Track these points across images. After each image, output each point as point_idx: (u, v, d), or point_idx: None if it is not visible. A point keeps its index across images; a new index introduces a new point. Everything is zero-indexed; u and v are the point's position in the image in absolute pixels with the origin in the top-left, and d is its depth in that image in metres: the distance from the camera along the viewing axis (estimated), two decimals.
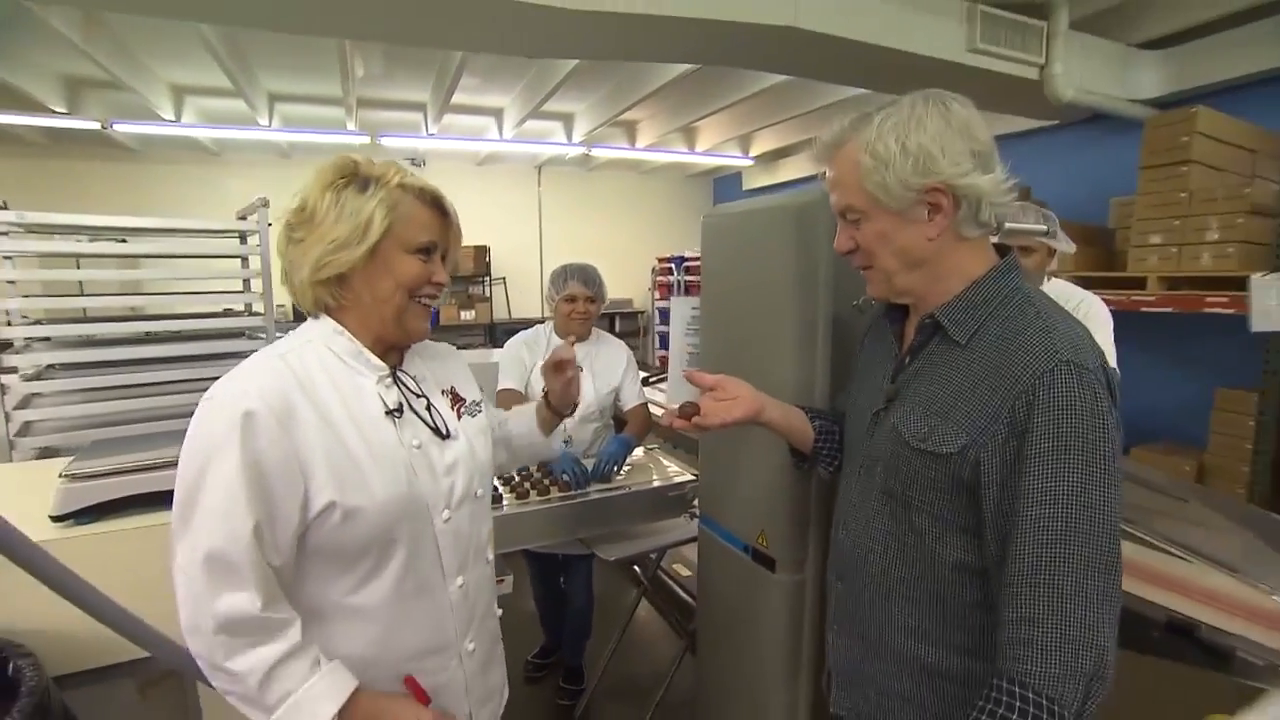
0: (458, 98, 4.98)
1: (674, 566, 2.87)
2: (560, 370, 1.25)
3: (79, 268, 3.20)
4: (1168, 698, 1.11)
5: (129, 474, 1.40)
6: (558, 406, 1.29)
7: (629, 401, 2.25)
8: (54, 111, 4.81)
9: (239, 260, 2.54)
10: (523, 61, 4.54)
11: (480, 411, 1.12)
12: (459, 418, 1.07)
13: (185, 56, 4.36)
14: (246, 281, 2.56)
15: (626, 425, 2.24)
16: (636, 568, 2.11)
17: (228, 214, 2.51)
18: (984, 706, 0.77)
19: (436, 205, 0.98)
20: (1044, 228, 1.67)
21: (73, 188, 6.09)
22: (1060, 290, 2.14)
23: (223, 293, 2.81)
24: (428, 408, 1.00)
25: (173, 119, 5.16)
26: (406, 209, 0.93)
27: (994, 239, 0.96)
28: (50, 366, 2.23)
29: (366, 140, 5.71)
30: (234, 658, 0.81)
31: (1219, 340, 3.58)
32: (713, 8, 2.75)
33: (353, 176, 0.93)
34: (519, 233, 8.01)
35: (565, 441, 2.15)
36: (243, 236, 2.54)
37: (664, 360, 7.34)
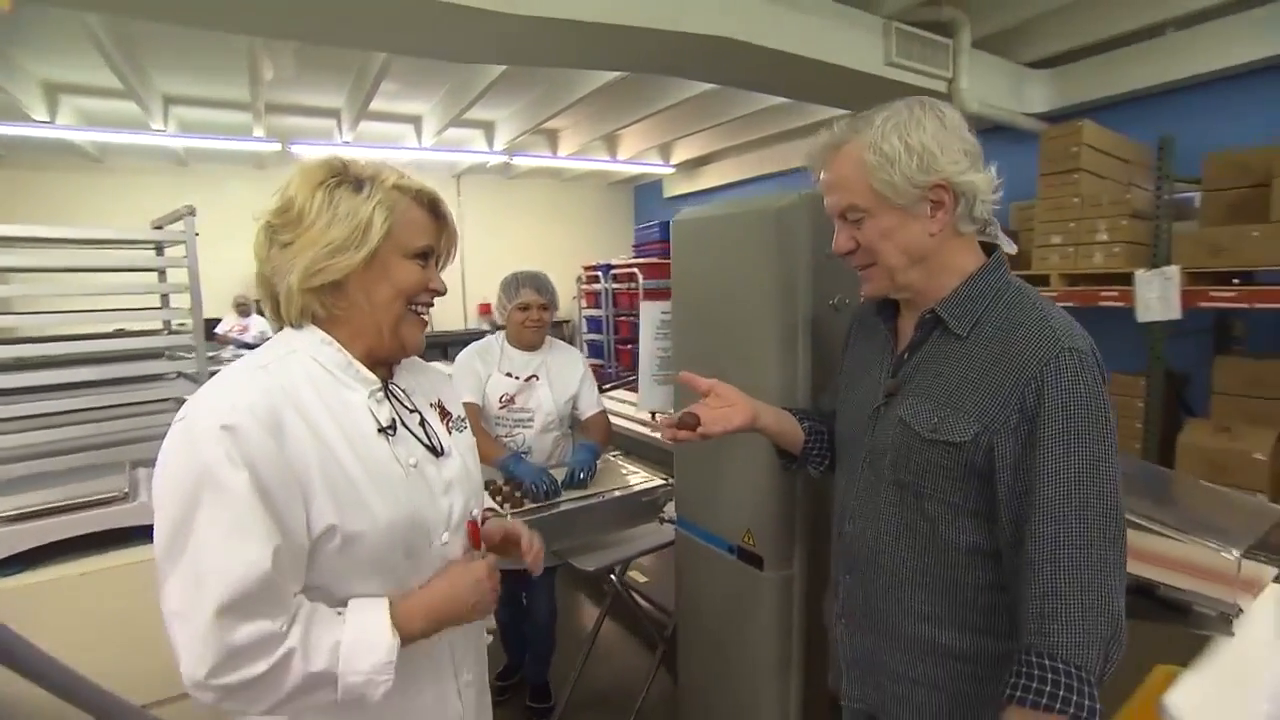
0: (375, 104, 4.79)
1: (630, 574, 2.85)
2: (505, 550, 1.09)
3: None
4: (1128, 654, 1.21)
5: (57, 515, 1.24)
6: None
7: (587, 409, 2.23)
8: None
9: (154, 274, 2.32)
10: (444, 68, 4.43)
11: (465, 427, 1.06)
12: (449, 433, 1.01)
13: (61, 50, 3.96)
14: (165, 297, 2.32)
15: (588, 433, 2.22)
16: (613, 578, 2.07)
17: (111, 224, 2.26)
18: (1015, 682, 0.81)
19: (434, 208, 0.92)
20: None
21: None
22: None
23: (127, 310, 2.54)
24: (421, 423, 0.94)
25: (47, 120, 4.67)
26: (404, 211, 0.87)
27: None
28: None
29: (277, 147, 5.39)
30: (256, 664, 0.72)
31: (1111, 330, 3.95)
32: (645, 15, 2.78)
33: (344, 176, 0.86)
34: None
35: (525, 452, 2.11)
36: (159, 248, 2.31)
37: (595, 369, 7.31)
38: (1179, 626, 1.19)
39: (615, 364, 6.85)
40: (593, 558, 1.75)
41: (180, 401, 2.17)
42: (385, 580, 0.85)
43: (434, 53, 3.09)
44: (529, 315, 2.16)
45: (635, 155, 7.30)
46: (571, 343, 8.45)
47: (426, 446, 0.93)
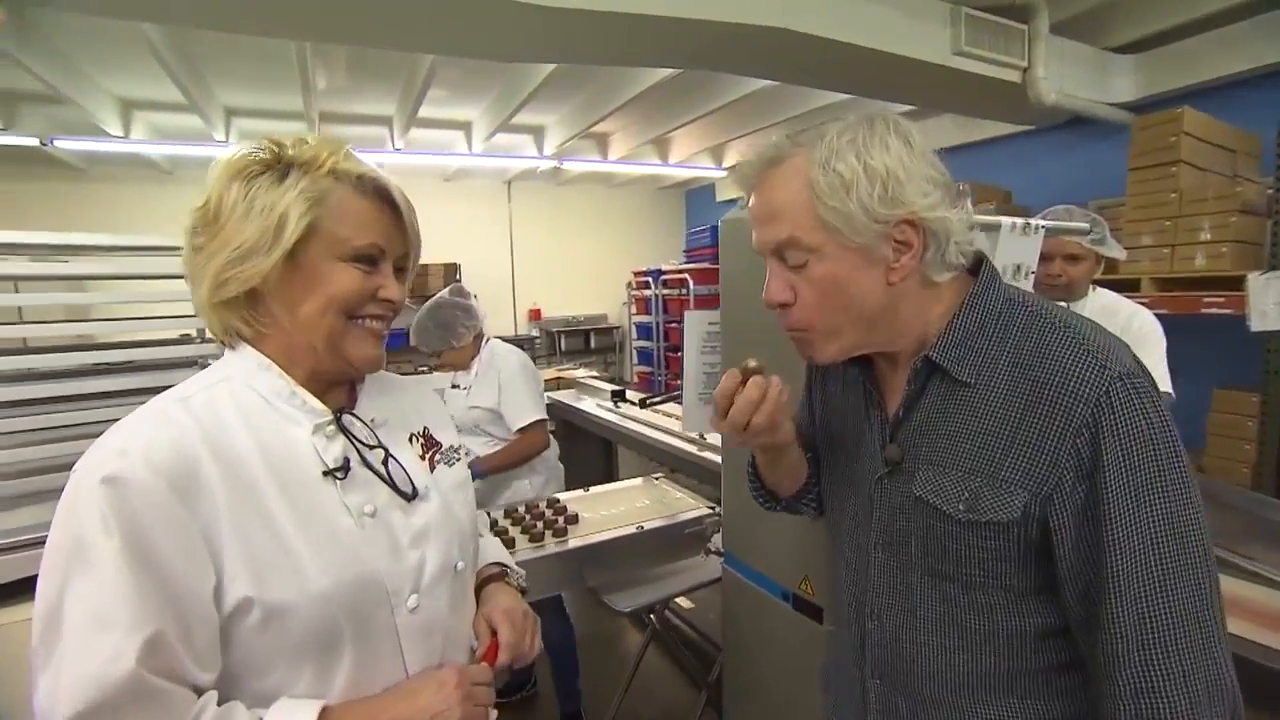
0: (425, 111, 4.78)
1: (675, 600, 2.69)
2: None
3: (17, 291, 2.91)
4: None
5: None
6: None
7: (516, 420, 2.17)
8: None
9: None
10: (492, 72, 4.38)
11: (459, 459, 0.91)
12: (432, 468, 0.85)
13: (133, 68, 4.08)
14: None
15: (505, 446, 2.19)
16: (651, 616, 1.93)
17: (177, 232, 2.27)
18: None
19: (382, 197, 0.75)
20: (1085, 226, 1.56)
21: (8, 209, 5.71)
22: (1107, 302, 2.00)
23: (183, 317, 2.56)
24: (385, 460, 0.78)
25: (120, 135, 4.85)
26: (338, 202, 0.71)
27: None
28: None
29: None
30: None
31: (1215, 340, 3.57)
32: (702, 8, 2.64)
33: (273, 163, 0.71)
34: (489, 249, 7.80)
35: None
36: None
37: (644, 377, 7.19)
38: None
39: (665, 372, 6.71)
40: (629, 595, 1.61)
41: None
42: (327, 666, 0.69)
43: (479, 51, 3.03)
44: (443, 362, 2.30)
45: (686, 159, 7.15)
46: (620, 350, 8.45)
47: (392, 489, 0.77)
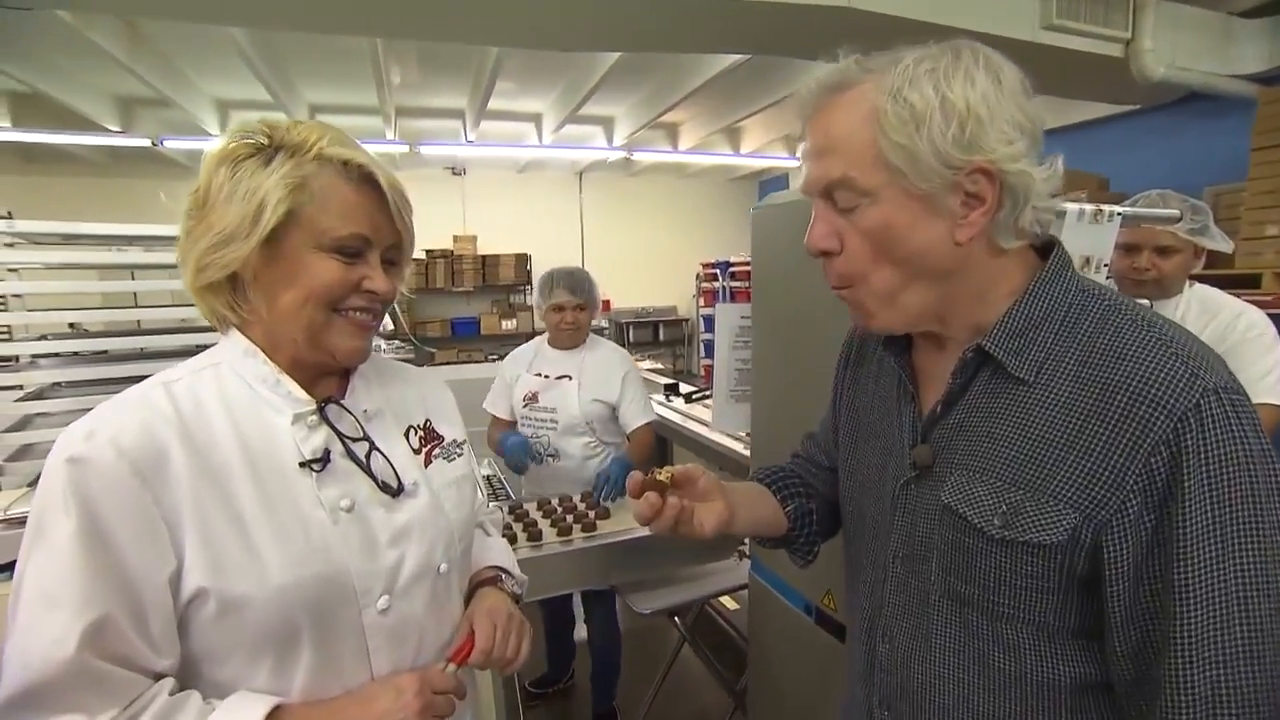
0: (495, 103, 4.87)
1: (719, 600, 2.62)
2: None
3: (134, 278, 3.15)
4: None
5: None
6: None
7: (630, 422, 2.04)
8: (108, 130, 4.90)
9: None
10: (559, 63, 4.39)
11: (460, 454, 0.88)
12: (428, 462, 0.82)
13: (227, 70, 4.36)
14: None
15: (629, 449, 2.05)
16: (676, 620, 1.87)
17: None
18: None
19: (369, 184, 0.71)
20: (1175, 213, 1.37)
21: (128, 204, 6.25)
22: (1208, 299, 1.72)
23: None
24: (369, 453, 0.75)
25: (218, 134, 5.20)
26: (321, 188, 0.68)
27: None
28: (56, 385, 2.14)
29: (405, 149, 5.67)
30: None
31: None
32: None
33: (262, 146, 0.69)
34: (561, 239, 7.90)
35: (552, 455, 2.02)
36: None
37: (710, 370, 7.10)
38: None
39: None
40: (653, 597, 1.56)
41: None
42: (287, 661, 0.67)
43: (539, 42, 3.03)
44: (563, 317, 2.04)
45: (758, 148, 6.97)
46: (689, 343, 8.36)
47: (376, 482, 0.74)
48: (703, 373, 7.48)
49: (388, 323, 5.31)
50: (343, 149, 0.70)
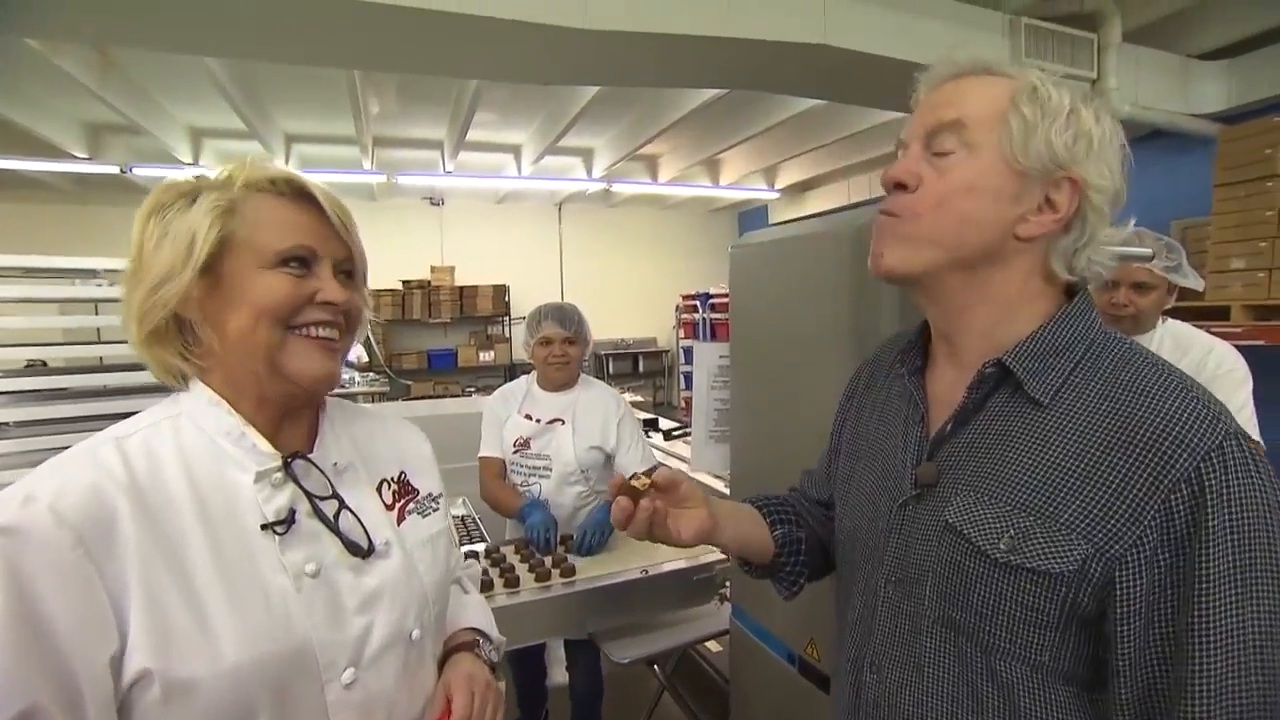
0: (474, 134, 4.86)
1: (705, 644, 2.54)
2: None
3: (97, 313, 3.04)
4: None
5: None
6: None
7: (630, 466, 1.90)
8: (75, 157, 4.81)
9: None
10: (539, 95, 4.41)
11: (436, 509, 0.82)
12: (400, 519, 0.77)
13: (201, 99, 4.31)
14: None
15: None
16: (655, 668, 1.79)
17: None
18: None
19: (302, 197, 0.69)
20: (1147, 252, 1.38)
21: (99, 232, 6.11)
22: (1181, 334, 1.75)
23: None
24: (338, 512, 0.70)
25: (190, 162, 5.13)
26: (253, 210, 0.66)
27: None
28: (3, 425, 2.04)
29: (383, 179, 5.64)
30: None
31: None
32: (736, 26, 2.56)
33: (189, 191, 0.67)
34: (540, 271, 7.87)
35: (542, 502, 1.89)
36: None
37: (690, 402, 7.06)
38: None
39: None
40: (631, 644, 1.49)
41: None
42: None
43: (518, 75, 3.03)
44: (551, 351, 1.94)
45: (738, 180, 7.05)
46: (669, 375, 8.32)
47: (345, 544, 0.68)
48: (683, 404, 7.44)
49: (362, 354, 5.22)
50: (267, 169, 0.68)
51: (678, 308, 7.67)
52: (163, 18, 2.31)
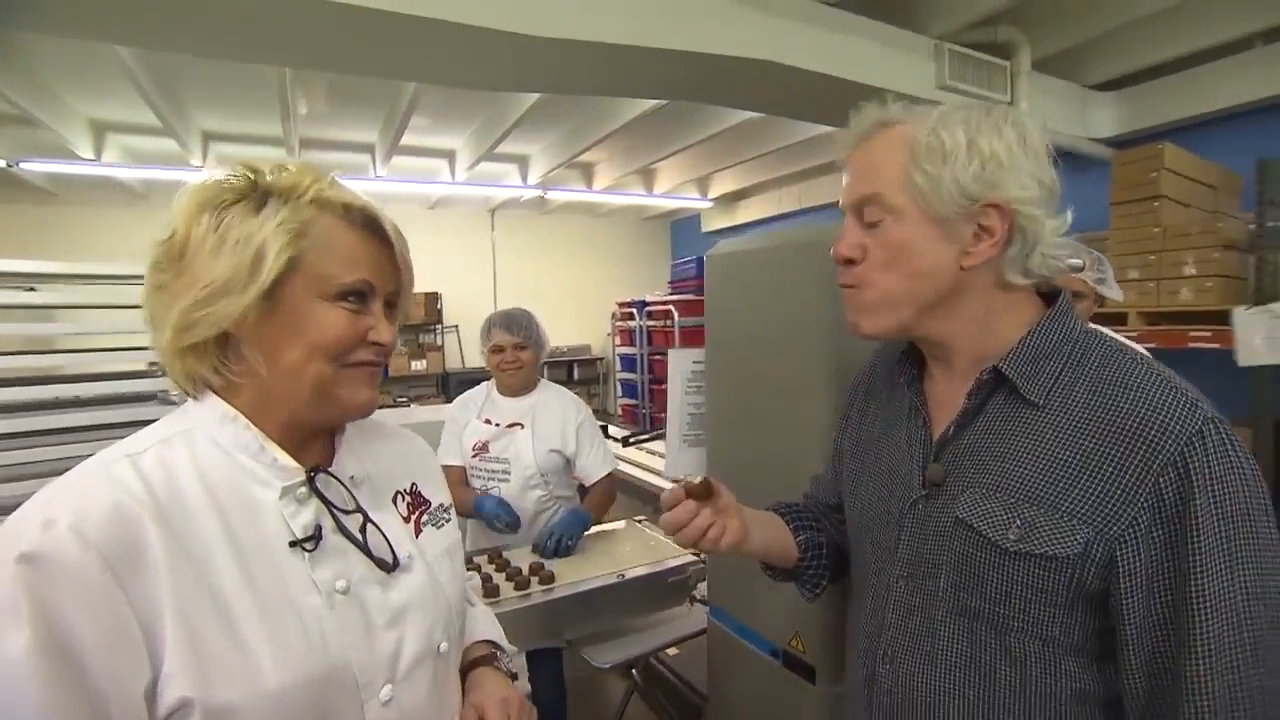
0: (408, 139, 4.73)
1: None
2: None
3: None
4: None
5: None
6: None
7: (590, 473, 1.96)
8: None
9: None
10: (476, 101, 4.35)
11: (449, 519, 0.81)
12: (418, 531, 0.75)
13: (106, 89, 4.00)
14: None
15: (585, 500, 1.98)
16: (633, 672, 1.80)
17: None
18: None
19: (371, 229, 0.67)
20: (1078, 263, 1.51)
21: None
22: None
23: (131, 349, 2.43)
24: (363, 526, 0.68)
25: (92, 158, 4.74)
26: (323, 234, 0.63)
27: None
28: None
29: None
30: None
31: (1204, 375, 3.55)
32: (688, 39, 2.62)
33: (247, 192, 0.63)
34: (472, 278, 7.72)
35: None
36: None
37: (628, 410, 7.08)
38: None
39: (650, 405, 6.60)
40: (609, 649, 1.50)
41: None
42: None
43: (459, 80, 2.98)
44: (503, 358, 1.95)
45: (672, 189, 7.16)
46: (604, 382, 8.33)
47: (371, 558, 0.66)
48: (620, 412, 7.46)
49: None
50: (342, 193, 0.66)
51: (613, 315, 7.70)
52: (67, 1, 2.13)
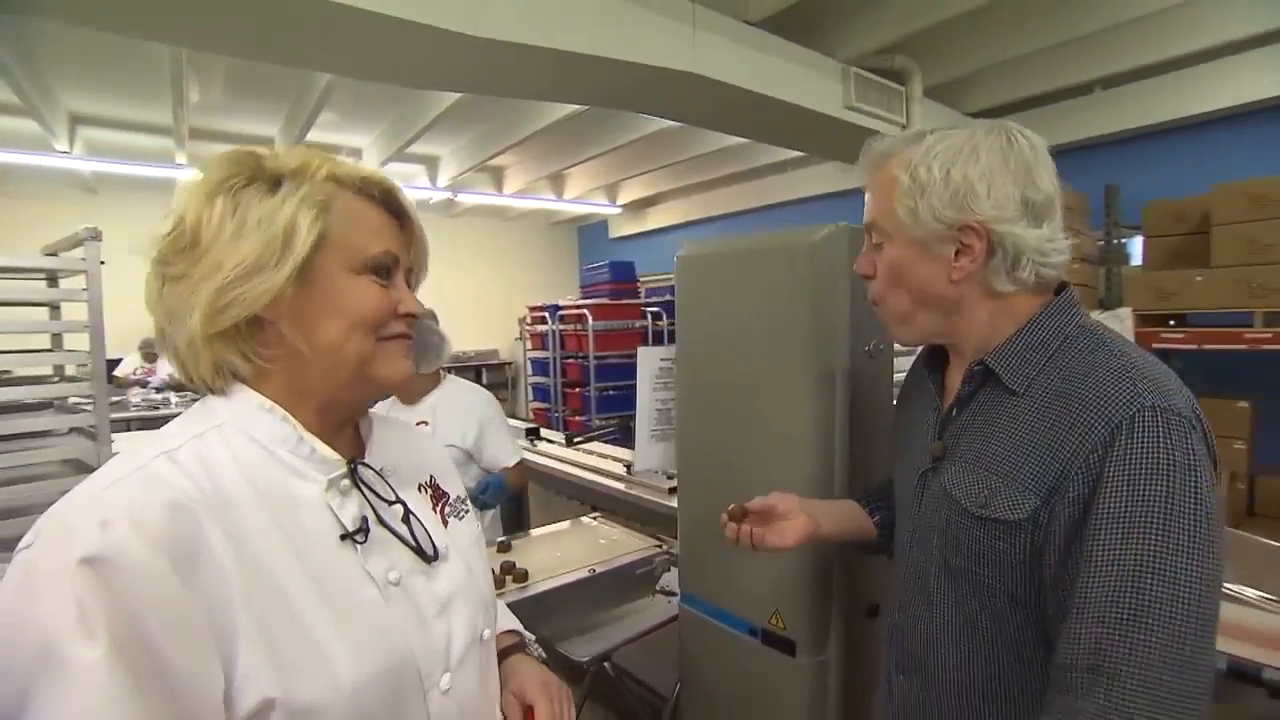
0: (312, 134, 4.48)
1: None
2: None
3: None
4: None
5: None
6: None
7: (499, 462, 2.02)
8: None
9: (46, 309, 1.97)
10: (388, 99, 4.20)
11: (467, 511, 0.81)
12: (445, 523, 0.75)
13: None
14: (59, 337, 1.96)
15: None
16: (606, 665, 1.82)
17: (11, 253, 1.90)
18: None
19: (389, 203, 0.67)
20: None
21: None
22: None
23: (12, 352, 2.17)
24: (405, 517, 0.68)
25: None
26: (345, 208, 0.63)
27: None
28: None
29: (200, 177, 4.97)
30: None
31: None
32: (619, 48, 2.69)
33: (255, 173, 0.62)
34: None
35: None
36: (52, 278, 1.96)
37: (539, 413, 7.02)
38: None
39: (562, 408, 6.58)
40: (584, 643, 1.52)
41: (77, 466, 1.82)
42: None
43: (385, 75, 2.88)
44: None
45: (582, 195, 7.21)
46: (513, 387, 8.20)
47: (414, 550, 0.66)
48: (530, 416, 7.38)
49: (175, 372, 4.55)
50: (356, 168, 0.66)
51: (523, 319, 7.61)
52: None
